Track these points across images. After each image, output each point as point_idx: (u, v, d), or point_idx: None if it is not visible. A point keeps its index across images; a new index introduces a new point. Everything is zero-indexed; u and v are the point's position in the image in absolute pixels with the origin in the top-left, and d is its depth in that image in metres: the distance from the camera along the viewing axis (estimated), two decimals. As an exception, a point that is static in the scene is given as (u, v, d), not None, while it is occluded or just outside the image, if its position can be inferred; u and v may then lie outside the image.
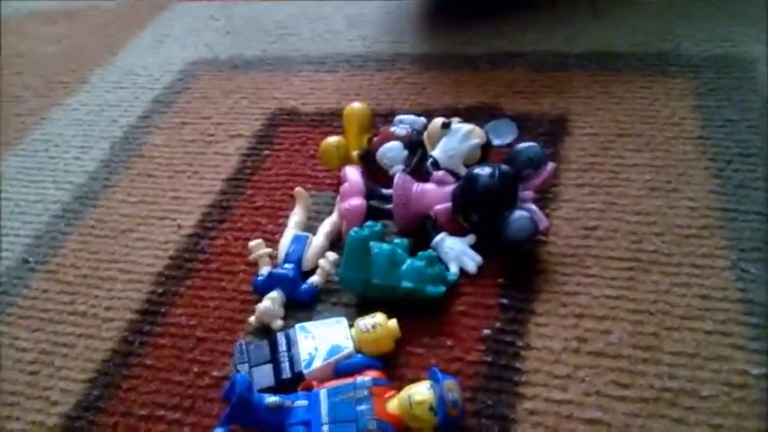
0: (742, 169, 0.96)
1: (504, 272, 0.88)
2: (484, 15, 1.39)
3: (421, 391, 0.69)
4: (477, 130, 1.00)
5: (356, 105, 1.09)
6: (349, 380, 0.73)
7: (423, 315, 0.84)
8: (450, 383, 0.70)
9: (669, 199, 0.93)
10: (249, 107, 1.28)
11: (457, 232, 0.91)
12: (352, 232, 0.85)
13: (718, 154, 0.99)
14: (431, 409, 0.68)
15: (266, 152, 1.17)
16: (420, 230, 0.92)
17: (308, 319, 0.86)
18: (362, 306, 0.86)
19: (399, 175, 0.93)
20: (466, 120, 1.04)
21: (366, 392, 0.70)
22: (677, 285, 0.82)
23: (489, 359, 0.78)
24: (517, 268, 0.88)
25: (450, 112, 1.11)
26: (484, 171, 0.90)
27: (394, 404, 0.70)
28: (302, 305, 0.89)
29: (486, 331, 0.81)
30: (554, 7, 1.38)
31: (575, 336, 0.79)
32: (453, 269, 0.88)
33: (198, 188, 1.12)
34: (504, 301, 0.84)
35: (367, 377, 0.73)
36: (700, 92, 1.10)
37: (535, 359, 0.77)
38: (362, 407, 0.69)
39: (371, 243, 0.85)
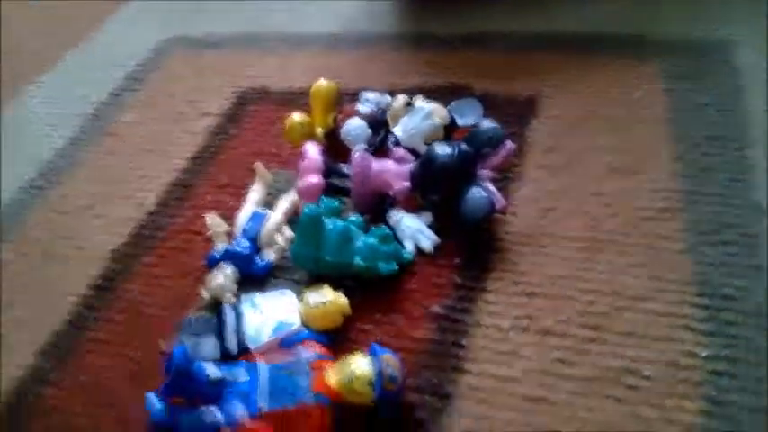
0: (709, 153, 0.94)
1: (460, 250, 0.87)
2: None
3: (361, 366, 0.69)
4: (440, 109, 0.99)
5: (322, 83, 1.08)
6: (291, 354, 0.72)
7: (375, 292, 0.83)
8: (389, 358, 0.69)
9: (631, 181, 0.92)
10: (220, 85, 1.27)
11: (416, 210, 0.91)
12: (305, 209, 0.84)
13: (686, 137, 0.97)
14: (369, 383, 0.68)
15: (233, 130, 1.16)
16: (378, 208, 0.91)
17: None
18: (316, 283, 0.85)
19: (358, 154, 0.92)
20: (434, 99, 1.03)
21: (306, 367, 0.70)
22: (632, 266, 0.81)
23: (436, 336, 0.78)
24: (473, 247, 0.87)
25: (421, 92, 1.10)
26: (442, 150, 0.89)
27: (333, 378, 0.69)
28: (256, 281, 0.88)
29: (437, 309, 0.80)
30: None
31: (524, 314, 0.78)
32: (409, 247, 0.87)
33: (163, 166, 1.11)
34: (458, 279, 0.83)
35: (309, 351, 0.72)
36: (674, 75, 1.08)
37: (482, 336, 0.77)
38: (301, 380, 0.68)
39: (326, 220, 0.84)
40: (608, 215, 0.88)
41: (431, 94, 1.08)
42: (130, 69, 1.37)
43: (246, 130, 1.15)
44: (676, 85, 1.06)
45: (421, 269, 0.86)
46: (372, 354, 0.70)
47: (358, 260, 0.82)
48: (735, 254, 0.80)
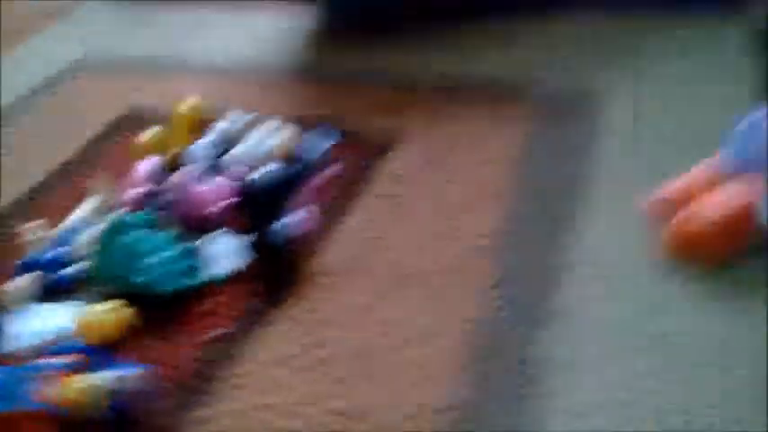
0: (545, 197, 0.92)
1: (267, 275, 0.85)
2: (376, 36, 1.37)
3: (89, 378, 0.67)
4: (287, 133, 0.98)
5: (186, 103, 1.08)
6: (36, 360, 0.70)
7: (169, 310, 0.81)
8: (127, 374, 0.67)
9: (461, 220, 0.90)
10: (107, 107, 1.26)
11: (240, 230, 0.89)
12: (108, 220, 0.83)
13: (531, 181, 0.95)
14: (99, 395, 0.65)
15: (102, 150, 1.15)
16: (200, 225, 0.90)
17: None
18: (120, 295, 0.83)
19: (180, 172, 0.91)
20: (304, 128, 1.03)
21: (42, 374, 0.67)
22: (430, 303, 0.78)
23: (206, 360, 0.75)
24: (283, 272, 0.85)
25: (297, 121, 1.08)
26: (262, 172, 0.88)
27: (68, 387, 0.67)
28: (62, 290, 0.86)
29: (219, 332, 0.78)
30: (446, 34, 1.35)
31: (307, 343, 0.75)
32: (214, 268, 0.85)
33: (21, 182, 1.08)
34: (253, 304, 0.81)
35: (60, 360, 0.70)
36: (539, 120, 1.07)
37: (254, 363, 0.74)
38: (32, 386, 0.66)
39: (122, 234, 0.82)
40: (426, 251, 0.86)
41: (310, 123, 1.07)
42: (29, 89, 1.36)
43: (114, 150, 1.14)
44: (539, 130, 1.05)
45: (224, 290, 0.83)
46: (111, 368, 0.68)
47: (136, 277, 0.80)
48: (526, 301, 0.78)
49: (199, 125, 1.07)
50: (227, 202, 0.88)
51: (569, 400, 0.66)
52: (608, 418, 0.64)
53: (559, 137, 1.02)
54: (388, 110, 1.14)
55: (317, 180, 0.88)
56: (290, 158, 0.95)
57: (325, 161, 0.90)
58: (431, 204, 0.93)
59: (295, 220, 0.84)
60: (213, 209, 0.88)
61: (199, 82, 1.31)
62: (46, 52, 1.52)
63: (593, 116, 1.06)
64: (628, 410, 0.65)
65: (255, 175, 0.88)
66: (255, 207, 0.87)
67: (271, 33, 1.47)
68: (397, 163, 1.02)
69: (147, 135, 1.04)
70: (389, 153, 1.04)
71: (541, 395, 0.67)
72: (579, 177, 0.94)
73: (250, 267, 0.85)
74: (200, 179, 0.91)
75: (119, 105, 1.27)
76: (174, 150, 1.03)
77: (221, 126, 1.02)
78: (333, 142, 1.01)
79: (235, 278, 0.85)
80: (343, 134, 1.06)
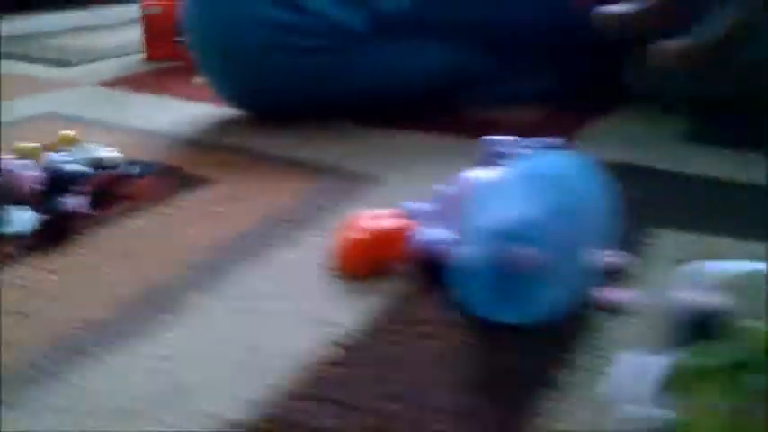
0: (282, 228, 1.15)
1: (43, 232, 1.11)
2: (276, 125, 1.68)
3: None
4: (111, 152, 1.29)
5: (64, 132, 1.42)
6: None
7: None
8: None
9: (205, 233, 1.14)
10: (44, 140, 1.59)
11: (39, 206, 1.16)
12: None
13: (287, 219, 1.18)
14: None
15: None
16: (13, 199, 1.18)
17: None
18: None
19: (17, 163, 1.23)
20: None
21: None
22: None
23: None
24: (52, 232, 1.11)
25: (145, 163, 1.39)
26: (68, 168, 1.18)
27: None
28: None
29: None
30: (326, 131, 1.61)
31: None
32: (7, 227, 1.12)
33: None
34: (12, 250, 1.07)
35: None
36: (318, 189, 1.31)
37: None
38: None
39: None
40: (159, 246, 1.10)
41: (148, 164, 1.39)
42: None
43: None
44: (315, 193, 1.30)
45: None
46: None
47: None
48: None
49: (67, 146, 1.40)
50: (36, 184, 1.17)
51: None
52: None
53: (325, 198, 1.27)
54: (226, 168, 1.43)
55: (101, 180, 1.17)
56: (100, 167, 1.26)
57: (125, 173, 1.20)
58: (196, 223, 1.18)
59: (73, 201, 1.12)
60: (24, 187, 1.17)
61: (113, 136, 1.66)
62: (26, 106, 1.95)
63: (363, 189, 1.31)
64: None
65: (63, 168, 1.18)
66: (52, 190, 1.16)
67: (199, 116, 1.83)
68: (196, 196, 1.29)
69: (21, 144, 1.37)
70: (197, 190, 1.31)
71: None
72: (324, 218, 1.18)
73: (34, 232, 1.13)
74: (25, 168, 1.21)
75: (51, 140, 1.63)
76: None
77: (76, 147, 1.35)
78: (147, 171, 1.31)
79: (19, 237, 1.12)
80: (169, 172, 1.37)
